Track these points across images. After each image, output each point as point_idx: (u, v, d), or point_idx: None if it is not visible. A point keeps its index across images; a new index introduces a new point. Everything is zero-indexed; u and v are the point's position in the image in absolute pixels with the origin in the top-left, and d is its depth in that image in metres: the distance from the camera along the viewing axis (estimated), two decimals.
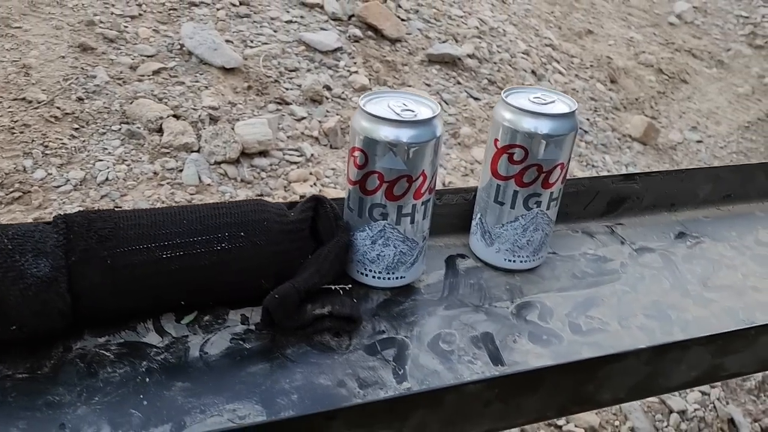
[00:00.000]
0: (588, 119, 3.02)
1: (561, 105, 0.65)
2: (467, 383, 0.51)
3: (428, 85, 2.63)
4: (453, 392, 0.51)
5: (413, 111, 0.59)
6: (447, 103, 2.57)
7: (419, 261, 0.64)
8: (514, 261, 0.67)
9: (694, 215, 0.84)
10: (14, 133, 1.69)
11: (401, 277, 0.63)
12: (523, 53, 3.21)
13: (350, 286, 0.61)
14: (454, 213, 0.73)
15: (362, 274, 0.63)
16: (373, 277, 0.63)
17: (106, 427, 0.47)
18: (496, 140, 0.64)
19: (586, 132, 2.92)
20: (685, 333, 0.61)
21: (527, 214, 0.65)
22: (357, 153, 0.59)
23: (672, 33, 4.29)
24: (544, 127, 0.62)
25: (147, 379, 0.51)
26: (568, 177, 0.68)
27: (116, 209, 0.59)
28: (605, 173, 2.69)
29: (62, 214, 0.56)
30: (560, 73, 3.27)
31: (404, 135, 0.57)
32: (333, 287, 0.60)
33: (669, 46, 4.10)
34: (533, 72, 3.13)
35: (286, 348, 0.56)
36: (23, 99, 1.79)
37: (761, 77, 4.02)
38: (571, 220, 0.79)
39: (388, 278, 0.63)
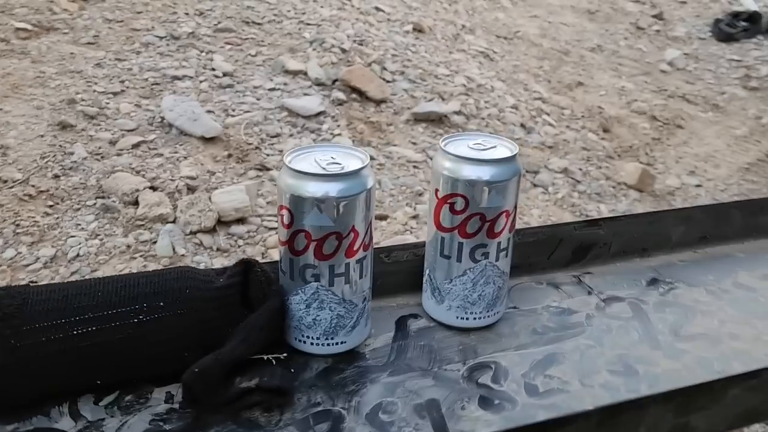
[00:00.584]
0: (580, 169, 3.00)
1: (502, 149, 0.61)
2: None
3: (414, 143, 2.62)
4: None
5: (340, 164, 0.56)
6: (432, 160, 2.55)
7: (361, 324, 0.59)
8: (467, 318, 0.63)
9: (668, 260, 0.79)
10: None
11: (341, 342, 0.58)
12: (511, 107, 3.22)
13: (285, 354, 0.56)
14: (406, 270, 0.69)
15: (300, 341, 0.58)
16: (312, 343, 0.58)
17: None
18: (437, 190, 0.61)
19: (578, 182, 2.90)
20: (652, 389, 0.56)
21: (475, 267, 0.61)
22: (283, 211, 0.55)
23: (664, 80, 4.31)
24: (484, 173, 0.58)
25: None
26: (529, 226, 0.64)
27: (30, 284, 0.55)
28: None
29: None
30: (550, 125, 3.27)
31: (331, 189, 0.54)
32: (265, 357, 0.55)
33: (662, 93, 4.12)
34: (522, 125, 3.13)
35: (210, 427, 0.51)
36: None
37: (758, 118, 4.01)
38: (535, 271, 0.74)
39: (328, 344, 0.58)
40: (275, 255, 1.75)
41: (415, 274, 0.68)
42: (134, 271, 1.55)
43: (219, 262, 1.63)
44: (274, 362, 0.55)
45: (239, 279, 0.57)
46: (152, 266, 1.56)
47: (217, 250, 1.67)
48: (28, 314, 0.51)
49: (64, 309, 0.52)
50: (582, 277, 0.74)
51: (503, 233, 0.61)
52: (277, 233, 0.59)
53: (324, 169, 0.55)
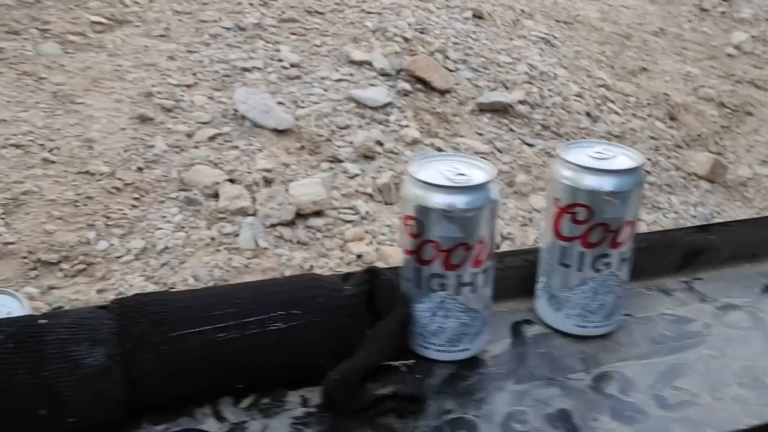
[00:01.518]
0: (650, 159, 2.94)
1: (624, 159, 0.61)
2: None
3: (480, 134, 2.61)
4: None
5: (466, 175, 0.57)
6: (500, 151, 2.54)
7: (483, 331, 0.60)
8: (585, 327, 0.63)
9: None
10: (78, 205, 1.74)
11: (465, 350, 0.60)
12: (575, 96, 3.16)
13: (413, 361, 0.58)
14: (517, 276, 0.69)
15: (424, 347, 0.60)
16: (436, 350, 0.59)
17: None
18: (556, 199, 0.61)
19: (648, 173, 2.84)
20: None
21: (596, 276, 0.61)
22: (410, 222, 0.56)
23: (731, 64, 4.16)
24: (607, 184, 0.58)
25: None
26: (637, 232, 0.64)
27: (170, 291, 0.58)
28: (672, 215, 2.60)
29: (118, 298, 0.55)
30: (616, 113, 3.21)
31: (459, 201, 0.54)
32: (394, 364, 0.57)
33: (729, 79, 3.98)
34: (588, 114, 3.07)
35: None
36: (86, 172, 1.86)
37: None
38: (643, 277, 0.74)
39: (452, 351, 0.59)
40: (354, 248, 1.78)
41: (526, 279, 0.69)
42: (221, 263, 1.60)
43: (300, 256, 1.67)
44: (404, 369, 0.57)
45: (366, 287, 0.59)
46: (237, 258, 1.61)
47: (297, 243, 1.70)
48: (174, 321, 0.54)
49: (208, 317, 0.54)
50: (692, 284, 0.74)
51: (626, 243, 0.60)
52: (401, 241, 0.60)
53: (451, 180, 0.56)
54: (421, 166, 0.59)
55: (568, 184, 0.59)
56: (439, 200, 0.55)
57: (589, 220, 0.59)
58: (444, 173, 0.57)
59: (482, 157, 0.62)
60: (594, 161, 0.60)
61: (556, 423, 0.53)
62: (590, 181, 0.59)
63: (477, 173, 0.58)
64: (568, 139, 2.76)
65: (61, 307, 1.45)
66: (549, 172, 0.62)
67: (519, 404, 0.55)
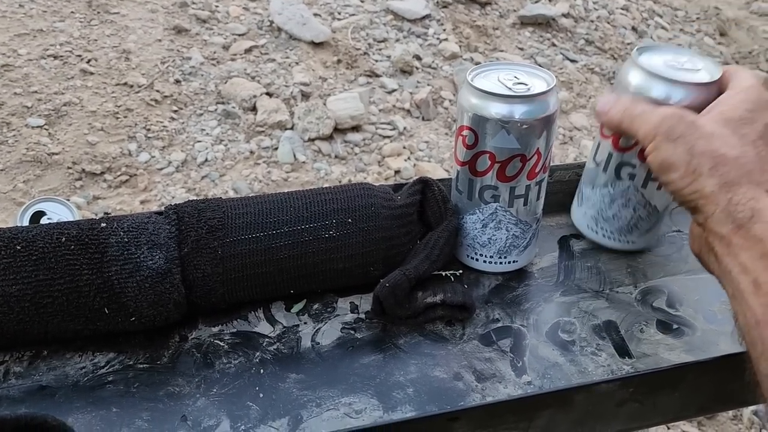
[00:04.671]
0: None
1: (703, 74, 0.58)
2: (599, 383, 0.48)
3: (521, 49, 2.53)
4: (584, 392, 0.48)
5: (526, 84, 0.55)
6: (542, 67, 2.47)
7: (532, 244, 0.60)
8: (596, 232, 0.63)
9: None
10: (118, 117, 1.75)
11: (514, 261, 0.60)
12: (621, 9, 3.04)
13: (461, 271, 0.58)
14: (566, 190, 0.69)
15: (473, 258, 0.60)
16: (485, 261, 0.60)
17: (225, 420, 0.47)
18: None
19: None
20: None
21: (617, 183, 0.60)
22: (466, 132, 0.56)
23: None
24: (678, 94, 0.55)
25: (261, 371, 0.51)
26: None
27: (224, 198, 0.59)
28: None
29: (173, 204, 0.56)
30: (663, 28, 3.08)
31: (517, 111, 0.53)
32: (443, 273, 0.58)
33: None
34: (634, 29, 2.96)
35: (399, 338, 0.54)
36: (125, 84, 1.86)
37: None
38: None
39: (500, 263, 0.60)
40: (392, 164, 1.78)
41: (574, 194, 0.68)
42: (260, 176, 1.61)
43: (338, 170, 1.67)
44: (452, 279, 0.58)
45: (418, 197, 0.59)
46: (276, 172, 1.62)
47: (336, 157, 1.70)
48: (230, 227, 0.55)
49: (262, 223, 0.55)
50: None
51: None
52: (453, 152, 0.59)
53: (510, 89, 0.54)
54: (479, 74, 0.57)
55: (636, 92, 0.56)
56: (496, 110, 0.53)
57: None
58: (503, 82, 0.56)
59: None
60: (668, 70, 0.56)
61: (602, 333, 0.54)
62: (658, 92, 0.54)
63: (537, 83, 0.56)
64: (612, 56, 2.67)
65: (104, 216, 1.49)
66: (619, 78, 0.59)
67: (566, 315, 0.56)
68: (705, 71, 0.57)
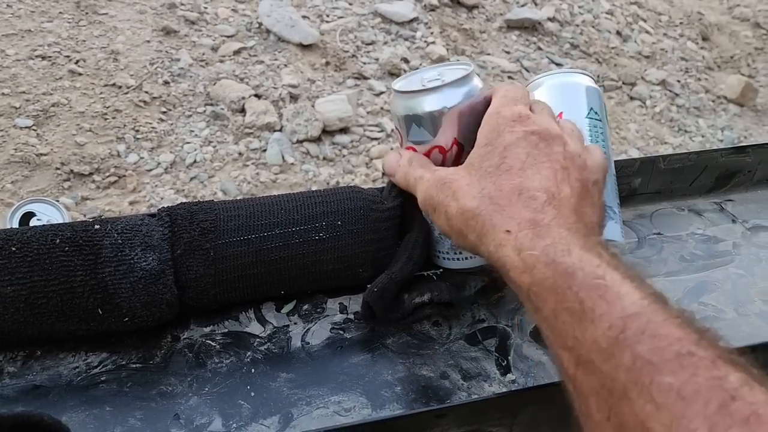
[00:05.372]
0: (679, 81, 2.87)
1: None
2: None
3: (507, 52, 2.56)
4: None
5: (442, 79, 0.54)
6: (528, 70, 2.49)
7: None
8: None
9: None
10: (107, 118, 1.76)
11: (470, 257, 0.58)
12: (606, 13, 3.07)
13: (441, 271, 0.60)
14: None
15: (435, 256, 0.59)
16: (444, 258, 0.58)
17: (217, 418, 0.48)
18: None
19: (677, 95, 2.78)
20: None
21: None
22: (395, 133, 0.57)
23: None
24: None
25: (252, 370, 0.52)
26: (674, 152, 0.64)
27: (216, 201, 0.60)
28: (699, 138, 2.56)
29: (166, 207, 0.57)
30: (647, 32, 3.12)
31: (425, 104, 0.52)
32: (425, 273, 0.59)
33: None
34: (618, 33, 2.99)
35: (387, 338, 0.55)
36: (113, 84, 1.86)
37: None
38: (676, 197, 0.75)
39: (457, 258, 0.58)
40: (380, 165, 1.79)
41: None
42: (249, 178, 1.61)
43: (326, 172, 1.68)
44: (435, 278, 0.59)
45: (401, 199, 0.61)
46: (264, 174, 1.63)
47: (324, 159, 1.71)
48: (222, 229, 0.56)
49: (253, 225, 0.56)
50: (724, 204, 0.74)
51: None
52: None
53: (423, 85, 0.54)
54: (406, 78, 0.57)
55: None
56: (404, 105, 0.53)
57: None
58: (423, 81, 0.55)
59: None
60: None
61: None
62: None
63: (453, 74, 0.54)
64: (597, 60, 2.70)
65: (96, 217, 1.49)
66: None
67: None
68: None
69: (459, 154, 0.54)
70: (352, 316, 0.58)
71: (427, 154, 0.54)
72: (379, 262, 0.58)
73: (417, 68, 2.30)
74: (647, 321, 0.34)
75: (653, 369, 0.32)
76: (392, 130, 1.80)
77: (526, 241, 0.41)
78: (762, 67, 3.32)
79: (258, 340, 0.55)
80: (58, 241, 0.52)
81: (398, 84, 0.56)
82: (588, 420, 0.35)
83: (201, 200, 0.59)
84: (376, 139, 1.83)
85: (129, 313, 0.53)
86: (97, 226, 0.54)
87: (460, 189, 0.46)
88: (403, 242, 0.59)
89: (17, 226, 0.74)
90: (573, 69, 0.63)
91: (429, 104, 0.53)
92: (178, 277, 0.54)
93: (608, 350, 0.34)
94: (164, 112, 1.78)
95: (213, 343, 0.54)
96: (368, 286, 0.55)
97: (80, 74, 1.88)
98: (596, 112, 0.58)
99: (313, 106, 1.83)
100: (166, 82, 1.87)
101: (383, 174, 0.61)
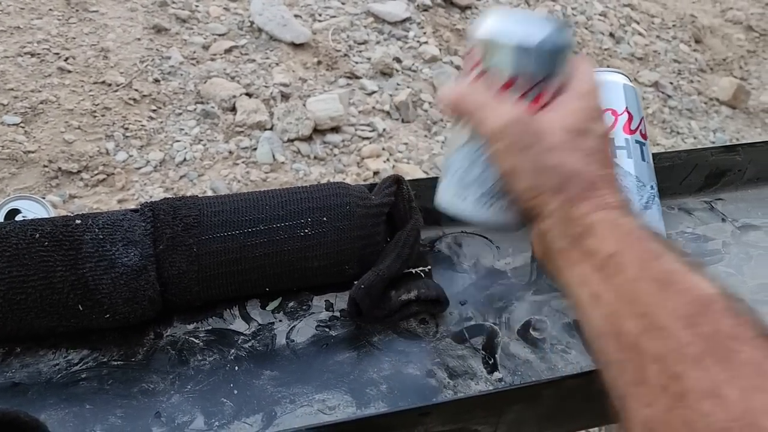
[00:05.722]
0: (671, 83, 2.88)
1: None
2: (566, 377, 0.49)
3: None
4: (552, 387, 0.49)
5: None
6: None
7: None
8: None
9: None
10: (96, 116, 1.74)
11: (502, 209, 0.50)
12: (599, 15, 3.07)
13: (429, 267, 0.59)
14: None
15: (459, 197, 0.51)
16: (471, 202, 0.50)
17: (199, 416, 0.47)
18: None
19: (669, 97, 2.79)
20: None
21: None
22: (467, 61, 0.50)
23: None
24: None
25: (236, 368, 0.51)
26: (664, 151, 0.64)
27: (199, 196, 0.59)
28: (691, 140, 2.57)
29: (148, 202, 0.56)
30: (640, 34, 3.12)
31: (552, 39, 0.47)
32: (413, 271, 0.59)
33: (759, 1, 3.84)
34: (611, 34, 3.00)
35: (373, 336, 0.55)
36: (103, 82, 1.84)
37: None
38: (666, 196, 0.74)
39: (488, 205, 0.50)
40: (371, 165, 1.78)
41: None
42: (239, 177, 1.60)
43: (317, 171, 1.67)
44: (423, 275, 0.59)
45: (392, 197, 0.60)
46: (254, 172, 1.62)
47: (315, 158, 1.70)
48: (205, 225, 0.55)
49: (238, 221, 0.55)
50: (714, 204, 0.74)
51: None
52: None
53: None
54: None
55: None
56: (523, 32, 0.47)
57: None
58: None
59: None
60: None
61: (572, 332, 0.55)
62: None
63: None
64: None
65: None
66: None
67: (537, 313, 0.57)
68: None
69: (537, 98, 0.48)
70: (338, 314, 0.57)
71: (507, 87, 0.48)
72: (365, 259, 0.57)
73: (411, 67, 2.30)
74: (727, 300, 0.36)
75: (736, 343, 0.33)
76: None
77: (623, 215, 0.43)
78: (754, 69, 3.33)
79: (242, 337, 0.54)
80: (37, 236, 0.51)
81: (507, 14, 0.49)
82: (640, 387, 0.35)
83: (186, 196, 0.58)
84: (367, 138, 1.83)
85: (110, 310, 0.52)
86: (78, 221, 0.53)
87: (559, 147, 0.45)
88: (393, 239, 0.59)
89: None
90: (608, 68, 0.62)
91: (553, 40, 0.47)
92: (161, 273, 0.53)
93: (690, 319, 0.35)
94: (154, 110, 1.77)
95: (196, 341, 0.54)
96: (355, 282, 0.55)
97: (69, 71, 1.87)
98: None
99: (304, 105, 1.83)
100: (156, 80, 1.86)
101: (374, 174, 0.60)
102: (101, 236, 0.52)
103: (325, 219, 0.56)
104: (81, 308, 0.51)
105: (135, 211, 0.56)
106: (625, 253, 0.40)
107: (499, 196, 0.49)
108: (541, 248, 0.47)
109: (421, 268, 0.59)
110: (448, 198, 0.52)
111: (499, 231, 0.57)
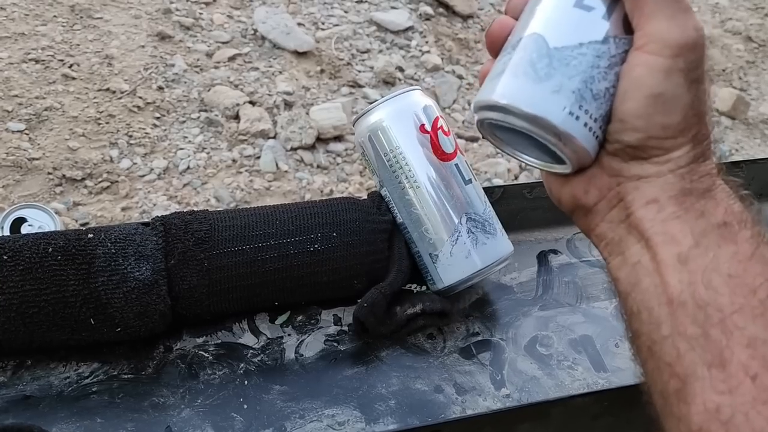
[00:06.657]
0: None
1: None
2: (575, 396, 0.49)
3: None
4: (560, 406, 0.49)
5: None
6: None
7: None
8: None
9: None
10: (100, 123, 1.75)
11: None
12: None
13: (425, 287, 0.60)
14: (546, 206, 0.71)
15: (572, 115, 0.37)
16: (585, 123, 0.37)
17: (210, 431, 0.47)
18: None
19: None
20: None
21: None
22: None
23: None
24: None
25: (246, 382, 0.52)
26: None
27: (210, 210, 0.60)
28: None
29: (160, 216, 0.57)
30: None
31: None
32: (414, 289, 0.59)
33: (758, 12, 3.86)
34: None
35: (381, 351, 0.55)
36: (107, 89, 1.85)
37: None
38: None
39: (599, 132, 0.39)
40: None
41: (555, 209, 0.70)
42: (242, 185, 1.61)
43: (320, 180, 1.68)
44: (425, 289, 0.59)
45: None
46: (258, 181, 1.62)
47: (318, 167, 1.71)
48: (217, 239, 0.55)
49: (248, 236, 0.56)
50: None
51: None
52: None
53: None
54: None
55: None
56: None
57: None
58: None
59: None
60: None
61: (578, 348, 0.55)
62: None
63: None
64: None
65: (87, 223, 1.49)
66: None
67: (544, 329, 0.58)
68: None
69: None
70: (346, 328, 0.57)
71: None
72: (374, 274, 0.58)
73: (413, 76, 2.31)
74: None
75: None
76: None
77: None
78: (754, 80, 3.34)
79: (251, 351, 0.55)
80: (50, 250, 0.52)
81: None
82: (715, 370, 0.32)
83: (195, 209, 0.59)
84: None
85: (121, 324, 0.52)
86: (90, 235, 0.53)
87: (705, 91, 0.38)
88: (391, 253, 0.59)
89: (8, 232, 0.74)
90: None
91: None
92: (172, 287, 0.53)
93: None
94: (158, 118, 1.78)
95: (206, 354, 0.54)
96: (358, 301, 0.55)
97: (74, 78, 1.87)
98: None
99: (307, 113, 1.83)
100: (160, 88, 1.87)
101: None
102: (113, 250, 0.53)
103: (334, 234, 0.57)
104: (93, 322, 0.51)
105: (146, 224, 0.56)
106: (741, 231, 0.35)
107: (607, 119, 0.38)
108: (598, 191, 0.40)
109: (423, 286, 0.60)
110: (555, 110, 0.37)
111: (555, 163, 0.42)
